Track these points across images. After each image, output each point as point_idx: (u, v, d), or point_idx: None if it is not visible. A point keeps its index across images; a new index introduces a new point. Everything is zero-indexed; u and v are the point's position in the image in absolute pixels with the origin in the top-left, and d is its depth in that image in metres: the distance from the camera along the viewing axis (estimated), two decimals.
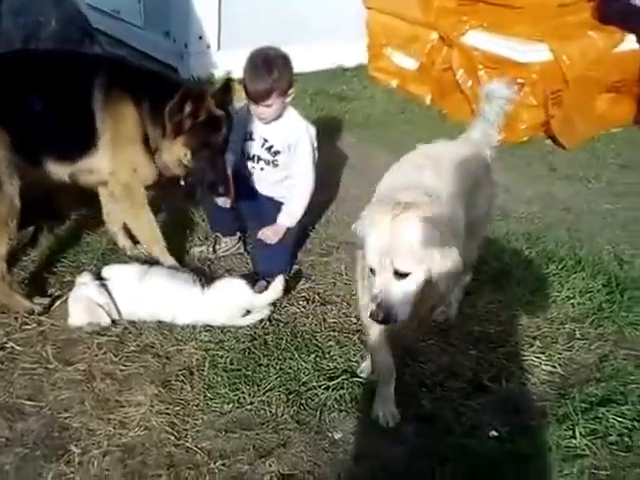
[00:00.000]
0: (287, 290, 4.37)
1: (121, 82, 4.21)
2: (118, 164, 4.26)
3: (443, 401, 3.67)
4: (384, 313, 2.78)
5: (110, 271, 4.28)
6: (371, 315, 2.83)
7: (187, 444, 3.32)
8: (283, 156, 4.64)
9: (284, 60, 4.48)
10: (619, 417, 3.48)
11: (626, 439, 3.40)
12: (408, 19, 8.46)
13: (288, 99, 4.52)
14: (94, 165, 4.26)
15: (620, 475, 3.22)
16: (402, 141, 7.14)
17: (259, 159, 4.69)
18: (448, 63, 7.91)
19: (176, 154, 4.17)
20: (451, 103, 7.94)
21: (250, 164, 4.75)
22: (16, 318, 4.11)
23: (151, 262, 4.50)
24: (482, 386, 3.79)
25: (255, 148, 4.64)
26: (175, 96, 4.05)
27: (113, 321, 4.11)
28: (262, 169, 4.74)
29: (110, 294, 4.11)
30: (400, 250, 2.74)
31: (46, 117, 4.07)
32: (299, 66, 8.64)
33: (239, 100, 4.62)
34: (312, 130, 4.72)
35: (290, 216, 4.68)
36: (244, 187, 4.71)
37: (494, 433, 3.44)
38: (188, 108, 4.05)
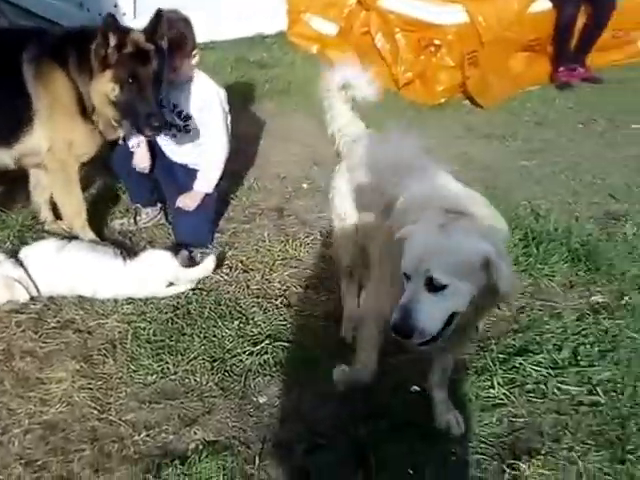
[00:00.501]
0: (217, 267, 4.32)
1: (47, 51, 4.06)
2: (56, 139, 4.15)
3: None
4: (407, 327, 2.45)
5: (27, 248, 4.16)
6: (393, 327, 2.47)
7: (111, 417, 3.27)
8: (194, 121, 4.54)
9: (185, 22, 4.37)
10: (535, 366, 3.55)
11: (542, 386, 3.47)
12: None
13: (193, 61, 4.41)
14: (35, 145, 4.15)
15: (537, 421, 3.28)
16: (323, 107, 7.11)
17: (170, 126, 4.56)
18: (366, 27, 7.86)
19: (104, 90, 3.97)
20: (370, 67, 7.88)
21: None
22: None
23: (70, 237, 4.39)
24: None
25: (166, 115, 4.54)
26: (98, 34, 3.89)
27: (32, 298, 4.01)
28: (174, 136, 4.64)
29: (27, 270, 3.99)
30: (442, 258, 2.43)
31: None
32: (218, 34, 8.60)
33: None
34: (222, 93, 4.63)
35: (206, 182, 4.61)
36: (158, 156, 4.61)
37: (416, 388, 3.45)
38: (113, 40, 3.87)
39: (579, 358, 3.63)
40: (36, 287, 4.02)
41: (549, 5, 7.70)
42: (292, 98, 7.37)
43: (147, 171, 4.57)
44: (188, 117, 4.52)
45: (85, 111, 4.11)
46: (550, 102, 7.59)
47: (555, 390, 3.42)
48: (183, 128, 4.58)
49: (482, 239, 2.45)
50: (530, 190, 5.59)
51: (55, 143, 4.16)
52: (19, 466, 3.00)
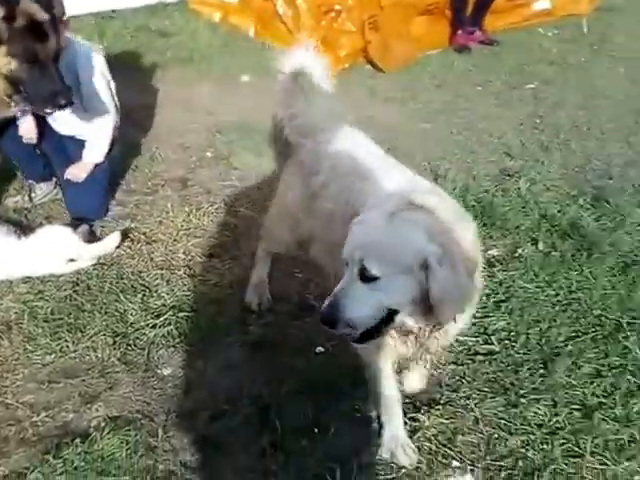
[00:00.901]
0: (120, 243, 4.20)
1: None
2: None
3: (271, 325, 3.63)
4: (332, 316, 2.27)
5: None
6: (320, 316, 2.32)
7: (7, 401, 3.14)
8: (74, 89, 4.30)
9: None
10: None
11: None
12: None
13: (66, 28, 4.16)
14: None
15: (436, 374, 3.30)
16: (226, 74, 7.01)
17: None
18: None
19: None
20: (274, 34, 7.76)
21: None
22: None
23: None
24: (309, 306, 3.76)
25: None
26: None
27: None
28: None
29: None
30: (378, 248, 2.25)
31: None
32: (119, 3, 8.33)
33: None
34: (100, 58, 4.41)
35: (95, 151, 4.42)
36: (46, 128, 4.40)
37: (320, 349, 3.44)
38: (3, 11, 3.54)
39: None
40: None
41: None
42: (195, 66, 7.22)
43: (34, 142, 4.35)
44: (69, 87, 4.28)
45: None
46: (449, 65, 7.61)
47: (453, 342, 3.43)
48: None
49: (429, 238, 2.21)
50: (430, 151, 5.61)
51: None
52: None
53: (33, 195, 4.64)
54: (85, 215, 4.32)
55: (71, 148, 4.48)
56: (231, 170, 5.23)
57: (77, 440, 2.89)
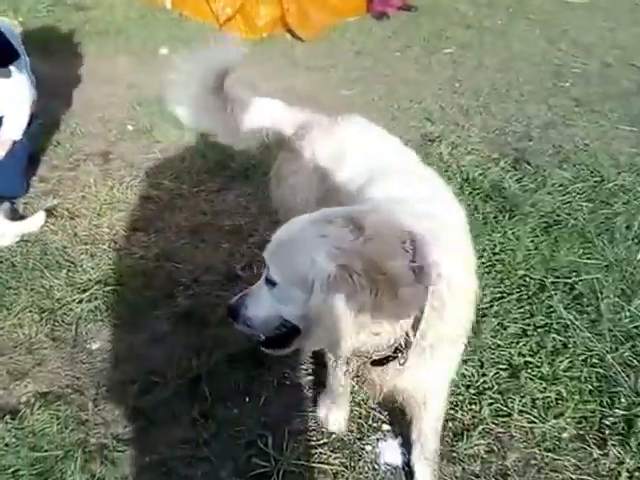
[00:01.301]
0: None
1: None
2: None
3: (199, 297, 3.64)
4: (233, 309, 2.18)
5: None
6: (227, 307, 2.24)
7: None
8: None
9: None
10: None
11: None
12: None
13: None
14: None
15: None
16: (144, 47, 6.93)
17: None
18: None
19: None
20: (191, 5, 7.68)
21: None
22: None
23: None
24: (236, 276, 3.79)
25: None
26: None
27: None
28: None
29: None
30: (281, 252, 2.07)
31: None
32: None
33: None
34: (16, 31, 4.33)
35: (12, 127, 4.35)
36: None
37: None
38: None
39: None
40: None
41: None
42: (112, 40, 7.10)
43: None
44: None
45: None
46: (368, 32, 7.66)
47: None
48: None
49: (329, 258, 1.92)
50: None
51: None
52: None
53: None
54: (4, 193, 4.24)
55: None
56: (153, 143, 5.19)
57: (7, 417, 2.88)
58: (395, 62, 6.93)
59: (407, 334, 2.07)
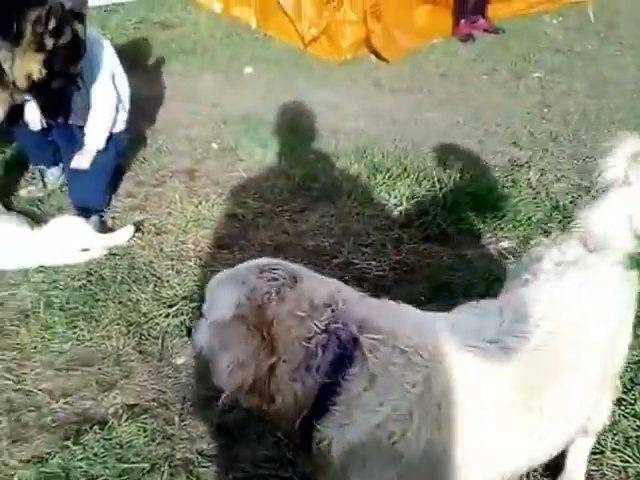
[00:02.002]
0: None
1: None
2: None
3: None
4: (189, 331, 2.27)
5: None
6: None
7: (27, 387, 3.22)
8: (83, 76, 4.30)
9: None
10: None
11: None
12: None
13: None
14: None
15: None
16: (230, 66, 7.09)
17: None
18: None
19: (29, 68, 3.76)
20: (276, 25, 7.83)
21: None
22: None
23: None
24: None
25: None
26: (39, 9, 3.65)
27: None
28: None
29: None
30: (213, 290, 2.10)
31: None
32: None
33: None
34: (107, 44, 4.52)
35: (95, 136, 4.49)
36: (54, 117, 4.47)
37: None
38: (52, 24, 3.68)
39: None
40: None
41: None
42: (198, 58, 7.28)
43: (39, 127, 4.40)
44: (68, 111, 4.29)
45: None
46: (453, 54, 7.68)
47: None
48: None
49: (238, 304, 1.92)
50: (437, 141, 5.66)
51: None
52: None
53: (46, 180, 4.73)
54: (86, 204, 4.39)
55: (78, 136, 4.55)
56: (237, 161, 5.30)
57: (96, 427, 2.98)
58: (481, 85, 6.94)
59: (308, 432, 1.93)
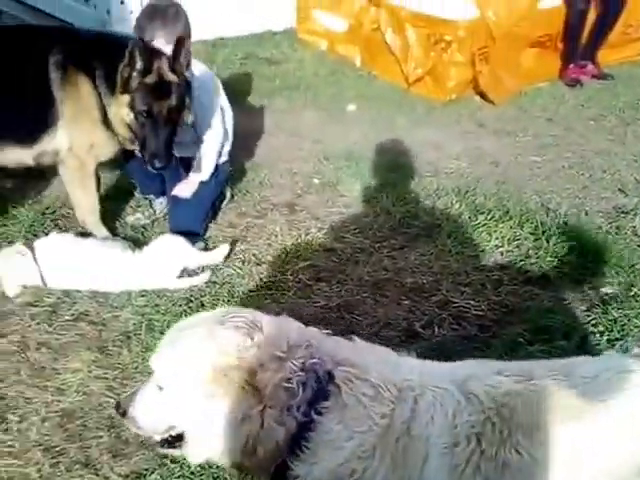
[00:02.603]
0: (229, 259, 4.47)
1: (75, 56, 4.11)
2: (77, 141, 4.24)
3: None
4: (121, 408, 2.24)
5: (39, 240, 4.26)
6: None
7: None
8: (192, 110, 4.43)
9: (175, 9, 4.39)
10: (545, 354, 3.60)
11: None
12: None
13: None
14: (57, 145, 4.23)
15: None
16: (333, 103, 7.25)
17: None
18: (376, 23, 7.93)
19: (120, 113, 4.07)
20: (381, 64, 7.98)
21: None
22: None
23: (83, 233, 4.52)
24: (415, 333, 3.90)
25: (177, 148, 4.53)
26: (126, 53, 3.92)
27: (45, 287, 4.13)
28: None
29: (36, 261, 4.10)
30: (163, 354, 2.13)
31: (5, 101, 4.08)
32: (227, 30, 8.71)
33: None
34: (215, 78, 4.75)
35: (202, 168, 4.68)
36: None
37: None
38: (139, 65, 3.93)
39: (587, 347, 3.70)
40: (42, 278, 4.12)
41: (559, 1, 7.76)
42: (302, 94, 7.45)
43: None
44: (171, 153, 4.36)
45: (107, 118, 4.18)
46: (560, 98, 7.64)
47: None
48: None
49: (215, 361, 1.96)
50: (540, 185, 5.68)
51: (76, 144, 4.25)
52: (38, 452, 3.11)
53: (154, 209, 4.96)
54: (182, 229, 4.55)
55: (183, 167, 4.75)
56: (338, 197, 5.41)
57: None
58: (588, 131, 6.88)
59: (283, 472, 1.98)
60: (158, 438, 2.19)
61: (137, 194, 5.20)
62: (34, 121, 4.17)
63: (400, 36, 7.63)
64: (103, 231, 4.55)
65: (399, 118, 6.96)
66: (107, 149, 4.34)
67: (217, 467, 2.98)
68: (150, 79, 3.98)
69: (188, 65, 4.13)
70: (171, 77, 4.03)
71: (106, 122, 4.18)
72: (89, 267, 4.13)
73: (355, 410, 1.93)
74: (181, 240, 4.33)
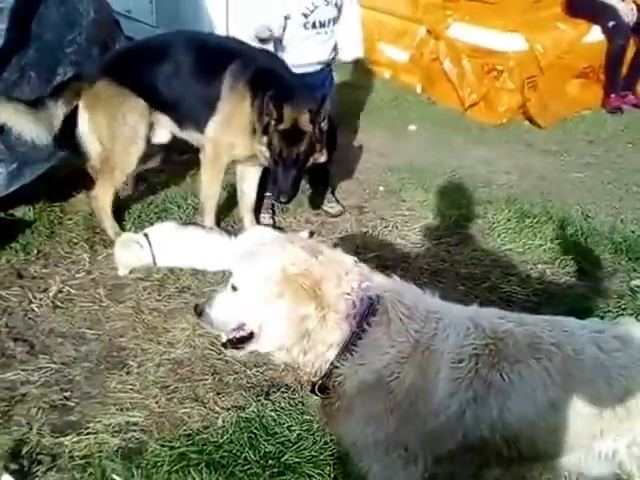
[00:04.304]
0: None
1: (248, 74, 4.57)
2: (220, 137, 4.72)
3: None
4: (199, 309, 2.47)
5: (152, 227, 4.75)
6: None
7: (226, 358, 3.81)
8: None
9: None
10: None
11: None
12: (398, 15, 8.88)
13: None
14: (207, 134, 4.75)
15: None
16: (396, 124, 7.66)
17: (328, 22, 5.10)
18: (435, 54, 8.31)
19: (259, 147, 4.54)
20: (439, 90, 8.36)
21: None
22: (68, 269, 4.59)
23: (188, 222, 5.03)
24: None
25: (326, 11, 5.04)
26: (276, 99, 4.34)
27: (154, 267, 4.61)
28: (332, 31, 5.17)
29: (150, 243, 4.57)
30: (241, 259, 2.43)
31: (189, 91, 4.67)
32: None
33: None
34: None
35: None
36: None
37: None
38: (274, 114, 4.35)
39: None
40: (154, 258, 4.59)
41: (600, 37, 8.08)
42: (370, 116, 7.83)
43: None
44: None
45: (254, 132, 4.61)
46: (601, 124, 7.92)
47: None
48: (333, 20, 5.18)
49: (286, 269, 2.26)
50: (581, 197, 6.00)
51: (218, 139, 4.73)
52: (155, 389, 3.57)
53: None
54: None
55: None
56: (401, 202, 5.79)
57: (282, 389, 3.53)
58: (626, 152, 7.16)
59: (330, 370, 2.32)
60: (225, 339, 2.47)
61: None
62: (202, 110, 4.68)
63: (457, 65, 8.01)
64: (211, 218, 4.99)
65: (455, 138, 7.33)
66: (243, 153, 4.78)
67: (303, 405, 3.40)
68: (283, 126, 4.39)
69: (324, 118, 4.48)
70: (305, 126, 4.41)
71: (252, 133, 4.59)
72: (192, 249, 4.59)
73: (396, 325, 2.30)
74: (270, 231, 4.77)
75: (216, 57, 4.69)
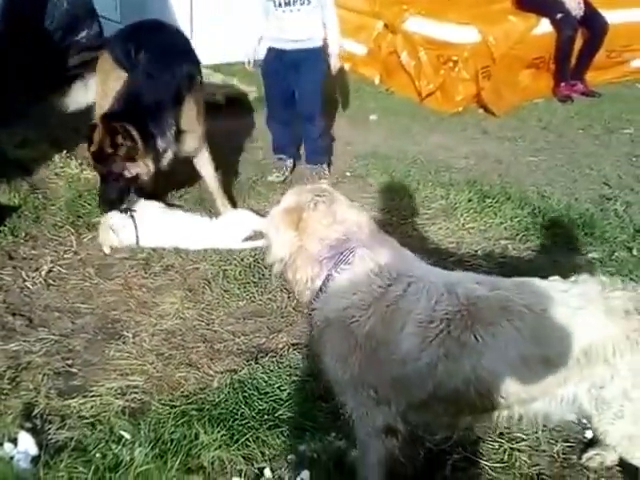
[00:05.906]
0: None
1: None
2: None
3: None
4: None
5: (137, 208, 4.97)
6: None
7: (215, 328, 4.09)
8: None
9: None
10: None
11: None
12: (356, 10, 9.16)
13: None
14: None
15: None
16: (358, 114, 7.99)
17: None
18: (393, 47, 8.67)
19: None
20: (397, 81, 8.73)
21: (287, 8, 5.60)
22: (56, 250, 4.82)
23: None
24: None
25: None
26: None
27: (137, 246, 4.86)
28: (299, 10, 5.62)
29: (134, 222, 4.84)
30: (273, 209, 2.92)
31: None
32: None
33: None
34: None
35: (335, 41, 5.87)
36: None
37: None
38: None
39: None
40: (137, 237, 4.86)
41: (550, 28, 8.52)
42: (332, 107, 8.07)
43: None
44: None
45: None
46: (553, 111, 8.36)
47: None
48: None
49: (288, 204, 2.81)
50: (537, 179, 6.38)
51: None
52: (152, 356, 3.83)
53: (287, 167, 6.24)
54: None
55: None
56: (367, 186, 6.11)
57: (270, 354, 3.81)
58: (577, 137, 7.58)
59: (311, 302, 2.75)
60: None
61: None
62: None
63: (414, 57, 8.36)
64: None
65: (414, 126, 7.69)
66: None
67: (291, 367, 3.68)
68: (92, 149, 4.66)
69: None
70: (108, 148, 4.57)
71: None
72: (175, 229, 4.85)
73: (360, 277, 2.65)
74: (247, 212, 5.05)
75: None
